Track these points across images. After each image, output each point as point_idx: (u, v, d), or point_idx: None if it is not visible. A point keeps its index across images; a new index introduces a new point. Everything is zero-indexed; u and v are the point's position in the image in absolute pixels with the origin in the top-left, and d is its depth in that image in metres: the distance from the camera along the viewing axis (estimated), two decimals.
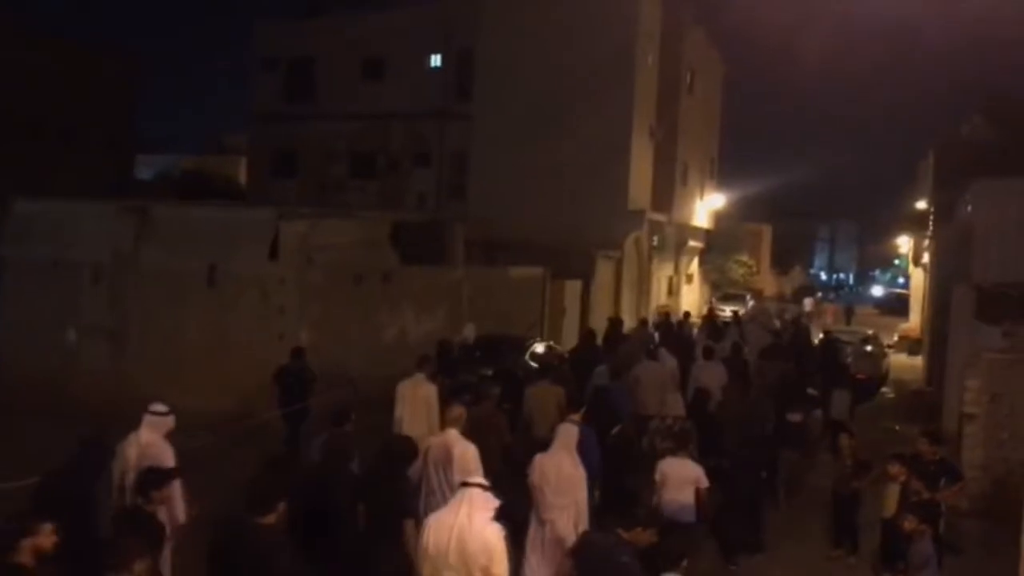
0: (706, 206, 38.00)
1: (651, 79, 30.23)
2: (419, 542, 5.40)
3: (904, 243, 48.69)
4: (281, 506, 5.12)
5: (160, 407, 7.13)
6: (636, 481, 7.77)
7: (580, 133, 27.33)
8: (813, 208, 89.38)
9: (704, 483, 7.73)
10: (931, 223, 26.17)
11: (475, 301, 18.30)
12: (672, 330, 19.43)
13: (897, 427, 15.76)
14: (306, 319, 14.20)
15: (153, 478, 5.90)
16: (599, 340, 15.83)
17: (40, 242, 15.27)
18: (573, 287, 24.34)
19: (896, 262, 72.65)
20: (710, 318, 23.42)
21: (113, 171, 30.24)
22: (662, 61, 30.74)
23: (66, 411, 12.88)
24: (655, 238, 31.52)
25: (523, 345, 15.90)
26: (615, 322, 18.26)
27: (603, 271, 26.95)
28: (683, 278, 36.71)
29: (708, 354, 13.67)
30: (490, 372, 12.72)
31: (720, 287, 41.74)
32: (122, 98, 31.78)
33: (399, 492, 6.18)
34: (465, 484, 5.48)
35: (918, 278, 36.16)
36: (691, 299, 36.04)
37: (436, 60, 33.27)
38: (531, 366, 14.06)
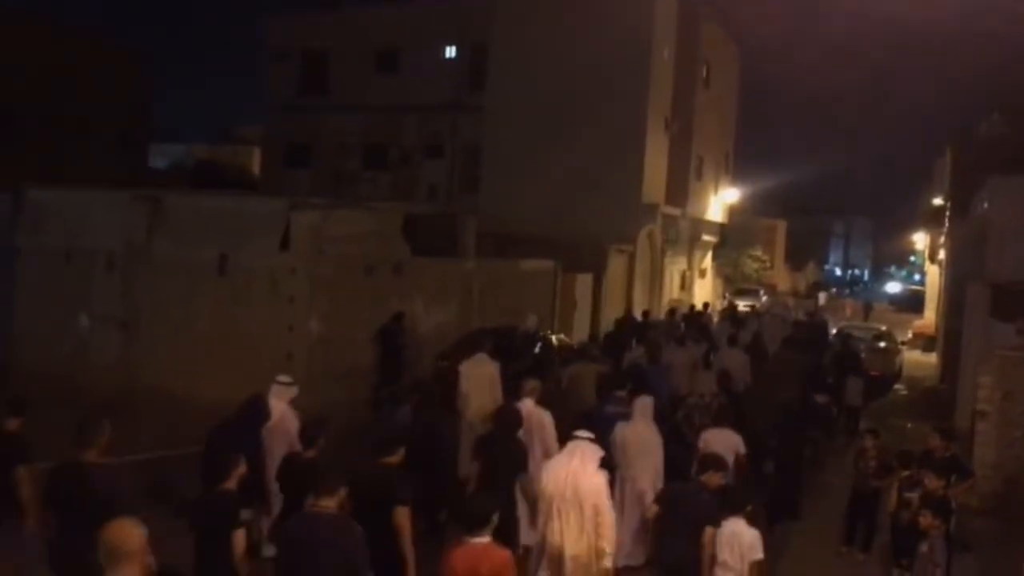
0: (720, 200, 37.81)
1: (666, 72, 30.08)
2: (538, 485, 6.56)
3: (920, 240, 48.44)
4: (401, 450, 6.28)
5: (285, 378, 8.49)
6: (677, 451, 8.31)
7: (594, 127, 27.22)
8: (828, 204, 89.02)
9: (743, 450, 8.32)
10: (947, 220, 25.97)
11: (486, 293, 18.28)
12: (697, 321, 20.26)
13: (909, 424, 15.65)
14: (316, 309, 14.21)
15: (316, 429, 6.98)
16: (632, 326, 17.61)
17: (53, 231, 15.35)
18: (584, 280, 24.29)
19: (912, 259, 72.23)
20: (730, 309, 24.61)
21: (127, 161, 30.35)
22: (678, 55, 30.57)
23: (78, 399, 13.00)
24: (669, 232, 31.42)
25: (534, 337, 15.88)
26: (631, 315, 19.70)
27: (615, 265, 26.88)
28: (696, 272, 36.56)
29: (733, 341, 14.70)
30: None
31: (733, 282, 41.60)
32: (136, 88, 31.87)
33: (516, 451, 7.27)
34: (576, 438, 6.60)
35: (934, 275, 35.92)
36: (704, 294, 35.90)
37: (450, 52, 33.22)
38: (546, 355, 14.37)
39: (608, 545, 6.33)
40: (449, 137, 33.35)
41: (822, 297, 46.65)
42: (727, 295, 37.50)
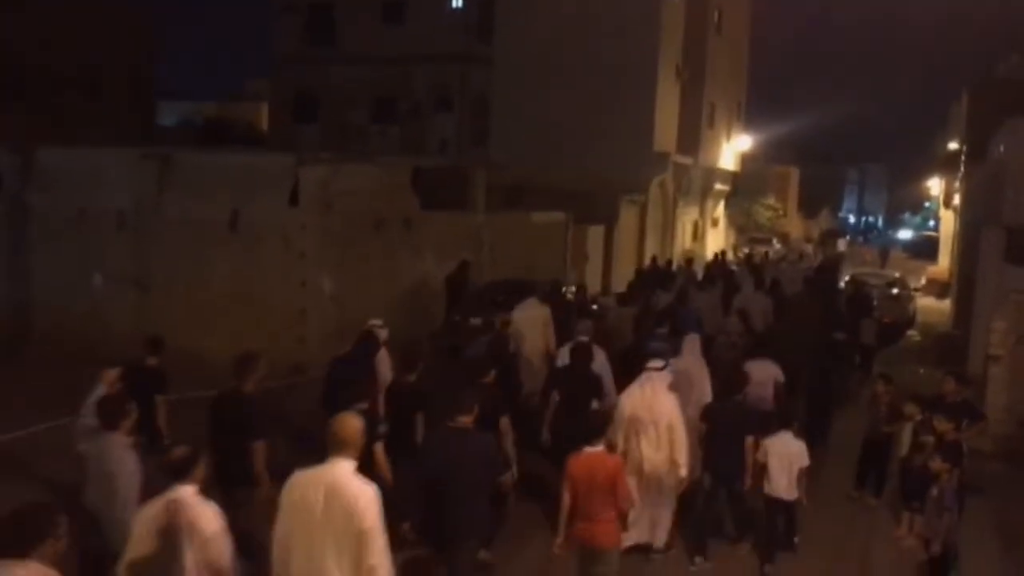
0: (733, 148, 37.45)
1: (678, 18, 29.59)
2: (617, 410, 7.31)
3: (935, 185, 47.95)
4: (493, 373, 7.55)
5: (377, 321, 9.24)
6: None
7: (604, 75, 26.90)
8: (842, 150, 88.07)
9: (781, 378, 9.15)
10: (962, 164, 25.65)
11: (496, 246, 18.24)
12: (720, 267, 21.02)
13: (922, 370, 15.64)
14: (327, 265, 14.24)
15: (415, 358, 7.73)
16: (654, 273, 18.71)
17: (65, 191, 15.35)
18: (596, 232, 24.20)
19: (927, 205, 71.53)
20: (749, 258, 25.70)
21: (135, 119, 30.22)
22: (689, 0, 30.07)
23: (92, 357, 13.12)
24: (681, 182, 31.19)
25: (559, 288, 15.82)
26: (654, 263, 21.38)
27: (627, 215, 26.74)
28: (709, 222, 36.37)
29: (759, 284, 15.75)
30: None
31: (746, 231, 41.35)
32: (143, 46, 31.62)
33: (592, 380, 8.40)
34: (647, 368, 7.47)
35: (948, 220, 35.59)
36: (716, 243, 35.74)
37: (457, 1, 32.76)
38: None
39: (681, 457, 7.18)
40: (458, 89, 33.05)
41: (842, 244, 47.66)
42: (742, 244, 37.31)
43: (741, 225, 41.51)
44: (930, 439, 7.90)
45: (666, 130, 29.34)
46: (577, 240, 22.63)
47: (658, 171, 28.95)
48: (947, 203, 35.66)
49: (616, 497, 5.96)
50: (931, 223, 64.95)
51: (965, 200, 25.10)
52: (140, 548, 4.55)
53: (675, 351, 8.62)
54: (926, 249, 46.17)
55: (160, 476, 4.78)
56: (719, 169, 35.80)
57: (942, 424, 7.74)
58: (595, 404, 7.95)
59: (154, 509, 4.59)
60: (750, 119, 40.59)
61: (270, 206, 14.03)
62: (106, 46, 28.99)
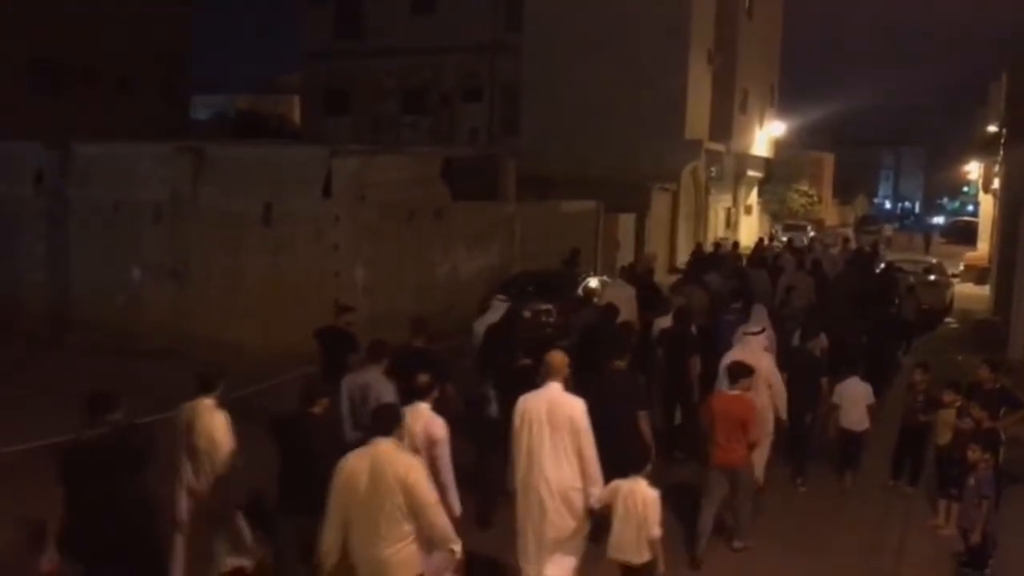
0: (766, 134, 37.02)
1: (708, 3, 29.28)
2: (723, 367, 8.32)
3: (974, 169, 47.12)
4: (567, 344, 8.71)
5: (503, 296, 11.99)
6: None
7: (635, 62, 26.72)
8: (878, 135, 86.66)
9: (825, 344, 10.43)
10: (1002, 147, 25.15)
11: (528, 236, 18.26)
12: (766, 251, 22.35)
13: (960, 357, 15.42)
14: (360, 256, 14.35)
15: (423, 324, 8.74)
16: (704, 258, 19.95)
17: (102, 184, 15.61)
18: (627, 221, 24.12)
19: (965, 189, 70.28)
20: (791, 242, 26.84)
21: (169, 113, 30.58)
22: None
23: (130, 347, 13.38)
24: (713, 168, 30.93)
25: (576, 280, 15.87)
26: (701, 248, 22.33)
27: (659, 204, 26.61)
28: (742, 209, 36.04)
29: (801, 265, 17.67)
30: (547, 307, 14.02)
31: (780, 218, 40.89)
32: (176, 40, 31.95)
33: (692, 340, 9.90)
34: (747, 333, 8.93)
35: (987, 205, 34.95)
36: (750, 231, 35.42)
37: None
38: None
39: (781, 404, 8.59)
40: (488, 79, 33.01)
41: (888, 229, 48.64)
42: (781, 232, 36.92)
43: (775, 212, 41.05)
44: (968, 425, 7.81)
45: (698, 117, 29.09)
46: (608, 229, 22.57)
47: (690, 158, 28.74)
48: (986, 187, 35.01)
49: (747, 430, 7.31)
50: (969, 208, 63.89)
51: (1005, 184, 24.63)
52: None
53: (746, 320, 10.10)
54: (958, 234, 45.56)
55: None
56: (752, 155, 35.43)
57: (978, 412, 7.64)
58: (696, 362, 9.67)
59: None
60: (784, 104, 40.11)
61: (303, 198, 14.16)
62: (139, 40, 29.33)
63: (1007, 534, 7.53)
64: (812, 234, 36.88)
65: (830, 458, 9.41)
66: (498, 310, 11.19)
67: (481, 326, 11.06)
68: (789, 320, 11.47)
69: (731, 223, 34.61)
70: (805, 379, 9.09)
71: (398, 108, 34.41)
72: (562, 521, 5.95)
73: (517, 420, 6.05)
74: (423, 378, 6.16)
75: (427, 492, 4.97)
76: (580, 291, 15.27)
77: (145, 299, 15.29)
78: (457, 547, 5.04)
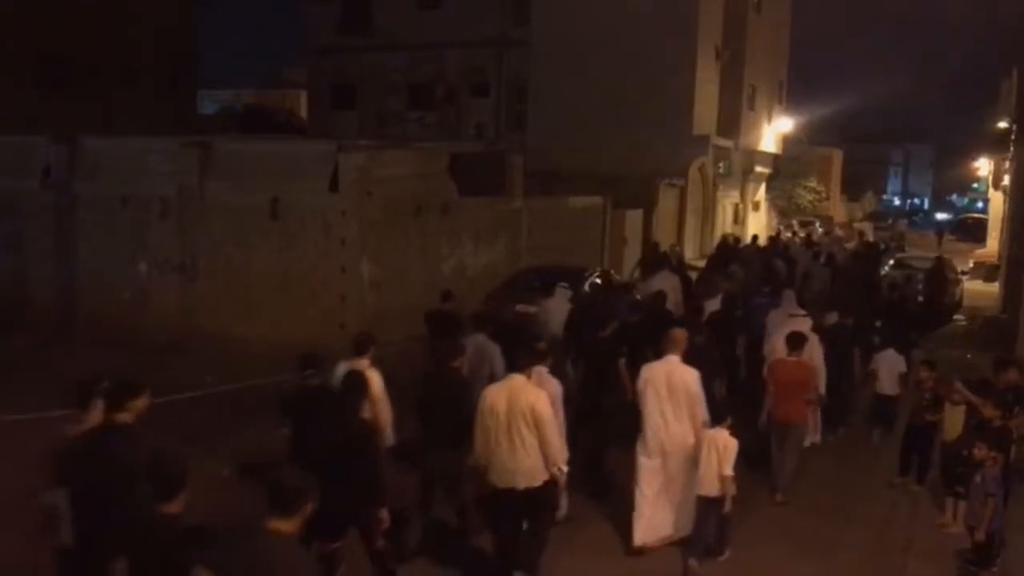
0: (774, 130, 36.87)
1: None
2: (768, 347, 10.01)
3: (983, 166, 46.86)
4: (616, 324, 9.55)
5: (564, 284, 12.55)
6: None
7: (643, 57, 26.62)
8: (887, 131, 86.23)
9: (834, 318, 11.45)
10: (1012, 143, 24.97)
11: (534, 232, 18.23)
12: (781, 244, 24.14)
13: (968, 355, 15.33)
14: (367, 251, 14.34)
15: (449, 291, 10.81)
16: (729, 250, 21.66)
17: (109, 179, 15.63)
18: (634, 216, 24.06)
19: (975, 186, 69.91)
20: (809, 237, 27.77)
21: (176, 107, 30.63)
22: None
23: (137, 341, 13.39)
24: (721, 164, 30.82)
25: (582, 276, 15.82)
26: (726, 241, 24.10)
27: (666, 199, 26.55)
28: (749, 206, 35.90)
29: (817, 257, 19.78)
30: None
31: (787, 214, 40.72)
32: (183, 34, 31.98)
33: (737, 324, 11.49)
34: (793, 315, 10.39)
35: (997, 202, 34.75)
36: (758, 227, 35.29)
37: None
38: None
39: (821, 379, 9.46)
40: (494, 74, 32.95)
41: (902, 224, 50.75)
42: (796, 227, 36.88)
43: (783, 208, 40.86)
44: (981, 420, 7.75)
45: (706, 112, 28.99)
46: (615, 224, 22.52)
47: (698, 154, 28.65)
48: (996, 184, 34.81)
49: (804, 389, 8.67)
50: (979, 204, 63.61)
51: (1015, 180, 24.49)
52: None
53: (777, 304, 11.71)
54: (966, 231, 45.49)
55: None
56: (760, 152, 35.29)
57: (989, 410, 7.59)
58: (743, 340, 11.25)
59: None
60: (792, 100, 39.95)
61: (310, 193, 14.16)
62: (146, 36, 29.39)
63: (1016, 533, 7.49)
64: (820, 230, 36.78)
65: (865, 418, 10.89)
66: (562, 296, 12.14)
67: (547, 312, 11.81)
68: (809, 304, 12.41)
69: (739, 219, 34.48)
70: (840, 350, 10.54)
71: (405, 103, 34.39)
72: (676, 461, 7.28)
73: (641, 385, 7.35)
74: (542, 345, 7.38)
75: (549, 416, 6.29)
76: (588, 285, 15.24)
77: (152, 293, 15.31)
78: (564, 466, 6.40)
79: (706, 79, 28.78)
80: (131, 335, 13.64)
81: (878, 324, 13.01)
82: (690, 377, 7.23)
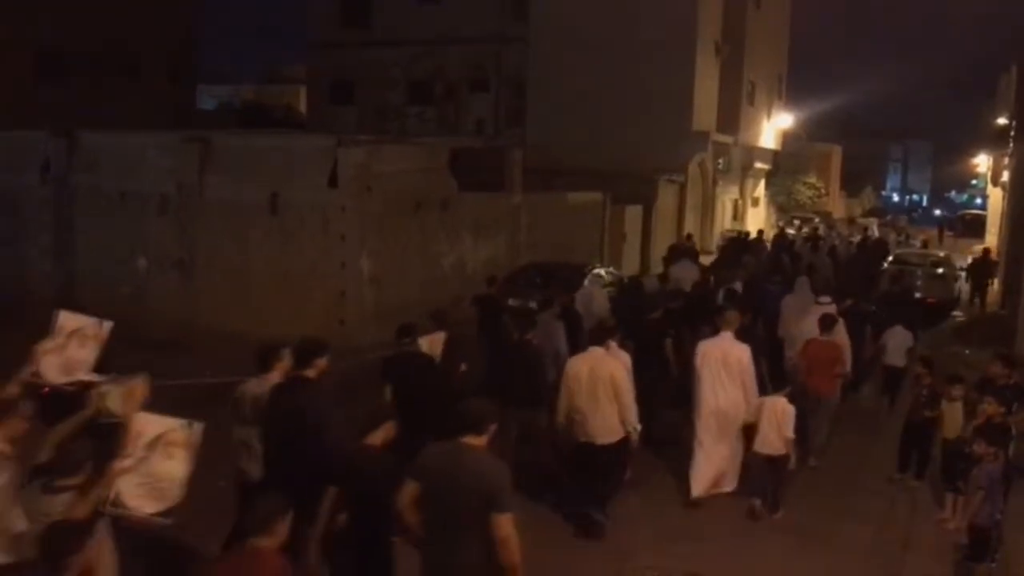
0: (773, 126, 36.86)
1: None
2: (798, 330, 10.84)
3: (983, 162, 46.91)
4: (662, 310, 10.75)
5: (600, 270, 14.73)
6: None
7: (642, 53, 26.58)
8: (886, 127, 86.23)
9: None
10: (1012, 140, 24.97)
11: (534, 228, 18.23)
12: (786, 240, 25.19)
13: (967, 351, 15.34)
14: (366, 247, 14.32)
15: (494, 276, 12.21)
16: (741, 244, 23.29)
17: (108, 173, 15.62)
18: (634, 212, 24.06)
19: (973, 182, 69.93)
20: (815, 231, 28.83)
21: (175, 102, 30.58)
22: None
23: (136, 336, 13.35)
24: (720, 160, 30.80)
25: (582, 271, 15.83)
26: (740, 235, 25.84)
27: (665, 195, 26.53)
28: (749, 201, 35.90)
29: (816, 249, 21.11)
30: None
31: (786, 210, 40.71)
32: (182, 29, 31.93)
33: (759, 302, 12.48)
34: (819, 303, 11.18)
35: (996, 198, 34.76)
36: (757, 223, 35.27)
37: None
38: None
39: (847, 357, 10.15)
40: (494, 69, 32.90)
41: (902, 220, 52.72)
42: (801, 224, 37.02)
43: (782, 204, 40.84)
44: (980, 417, 7.76)
45: (705, 108, 28.97)
46: (615, 220, 22.52)
47: (697, 150, 28.63)
48: (995, 180, 34.82)
49: (835, 365, 9.63)
50: (978, 201, 63.62)
51: (1014, 177, 24.49)
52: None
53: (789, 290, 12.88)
54: (965, 227, 45.52)
55: None
56: (759, 148, 35.28)
57: (991, 407, 7.59)
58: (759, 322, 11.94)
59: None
60: (792, 95, 39.93)
61: (309, 188, 14.14)
62: (146, 30, 29.33)
63: (1014, 529, 7.50)
64: (821, 226, 36.80)
65: (879, 389, 12.01)
66: (597, 282, 13.86)
67: (588, 297, 12.54)
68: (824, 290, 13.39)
69: (738, 215, 34.48)
70: (858, 328, 11.50)
71: (404, 98, 34.33)
72: (729, 424, 8.24)
73: (699, 360, 8.30)
74: (611, 322, 8.83)
75: (626, 382, 7.39)
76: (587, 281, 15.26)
77: (150, 289, 15.30)
78: (637, 425, 7.44)
79: (706, 75, 28.75)
80: (129, 331, 13.55)
81: (873, 308, 13.91)
82: (743, 352, 8.23)
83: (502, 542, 4.61)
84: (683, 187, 27.92)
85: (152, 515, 4.51)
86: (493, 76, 33.07)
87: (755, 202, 36.99)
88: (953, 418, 8.33)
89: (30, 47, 25.89)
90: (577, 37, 27.27)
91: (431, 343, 8.29)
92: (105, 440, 4.74)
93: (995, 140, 30.80)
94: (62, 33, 26.41)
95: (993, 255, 23.25)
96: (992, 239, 33.50)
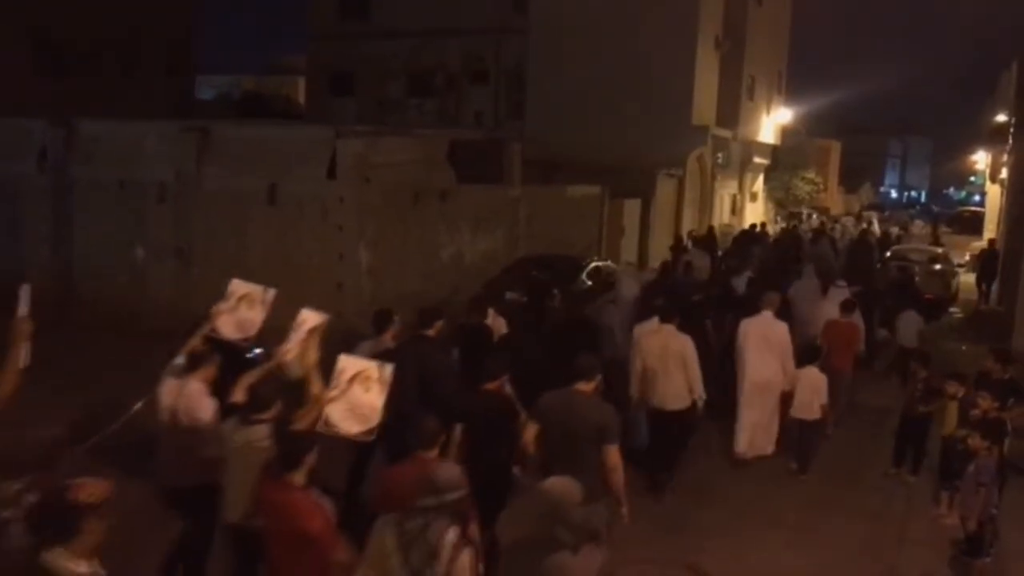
0: (773, 121, 36.81)
1: None
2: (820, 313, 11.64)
3: (981, 159, 46.95)
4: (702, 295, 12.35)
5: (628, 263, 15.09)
6: None
7: (642, 46, 26.51)
8: (885, 123, 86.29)
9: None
10: (1011, 137, 24.97)
11: (532, 220, 18.20)
12: (792, 233, 27.28)
13: (964, 347, 15.37)
14: (365, 238, 14.29)
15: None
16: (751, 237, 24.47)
17: (106, 163, 15.55)
18: (632, 206, 24.03)
19: (972, 179, 69.99)
20: (822, 225, 30.17)
21: (173, 92, 30.48)
22: None
23: (134, 326, 13.37)
24: (719, 155, 30.77)
25: (580, 264, 15.83)
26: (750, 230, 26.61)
27: (664, 189, 26.50)
28: (747, 196, 35.88)
29: (829, 243, 22.81)
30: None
31: (785, 205, 40.71)
32: (182, 20, 31.81)
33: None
34: (835, 286, 12.36)
35: (994, 195, 34.78)
36: (755, 217, 35.27)
37: None
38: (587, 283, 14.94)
39: (860, 338, 11.17)
40: (494, 61, 32.83)
41: (904, 215, 53.40)
42: (805, 219, 37.17)
43: (780, 199, 40.85)
44: (976, 415, 7.78)
45: (705, 103, 28.92)
46: (613, 214, 22.49)
47: (696, 144, 28.59)
48: (993, 177, 34.85)
49: (853, 344, 10.72)
50: (976, 198, 63.69)
51: (1013, 174, 24.50)
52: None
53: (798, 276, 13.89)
54: (962, 224, 45.59)
55: None
56: (758, 143, 35.24)
57: (987, 402, 7.61)
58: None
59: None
60: (791, 90, 39.85)
61: (308, 179, 14.08)
62: (145, 20, 29.21)
63: (1010, 524, 7.52)
64: (817, 220, 36.85)
65: (896, 370, 12.61)
66: (629, 274, 14.83)
67: (624, 284, 13.09)
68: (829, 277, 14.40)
69: (736, 210, 34.47)
70: (870, 311, 12.61)
71: (404, 90, 34.25)
72: (769, 393, 9.30)
73: (742, 336, 9.42)
74: (692, 300, 10.66)
75: (694, 356, 8.33)
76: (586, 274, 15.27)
77: (148, 279, 15.26)
78: (703, 396, 8.37)
79: (706, 69, 28.70)
80: (127, 321, 13.62)
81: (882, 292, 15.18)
82: (782, 330, 9.36)
83: (611, 469, 5.64)
84: (682, 181, 27.89)
85: (356, 434, 5.57)
86: (493, 68, 33.00)
87: (753, 197, 36.97)
88: (951, 415, 8.35)
89: (28, 37, 25.78)
90: (577, 30, 27.20)
91: (495, 320, 9.21)
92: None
93: (994, 137, 30.81)
94: (60, 23, 26.30)
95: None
96: (990, 236, 33.52)
